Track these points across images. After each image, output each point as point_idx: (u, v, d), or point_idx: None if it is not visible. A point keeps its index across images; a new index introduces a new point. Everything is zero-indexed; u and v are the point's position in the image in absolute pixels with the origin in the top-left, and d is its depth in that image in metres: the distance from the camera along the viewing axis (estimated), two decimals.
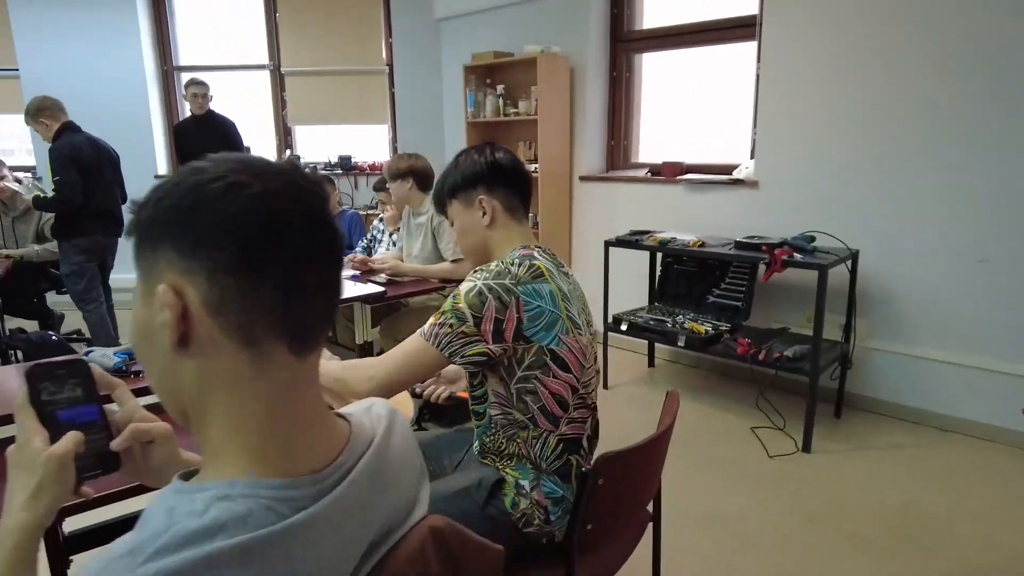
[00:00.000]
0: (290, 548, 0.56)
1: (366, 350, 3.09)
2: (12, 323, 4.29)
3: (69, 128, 3.66)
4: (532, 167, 4.36)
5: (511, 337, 1.30)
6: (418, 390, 1.74)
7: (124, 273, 4.31)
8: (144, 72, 5.39)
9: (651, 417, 3.50)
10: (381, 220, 3.81)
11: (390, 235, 3.72)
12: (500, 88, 4.49)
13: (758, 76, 3.50)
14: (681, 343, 3.26)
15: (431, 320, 1.34)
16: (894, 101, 3.06)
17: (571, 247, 4.61)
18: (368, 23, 5.43)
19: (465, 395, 1.50)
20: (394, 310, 3.37)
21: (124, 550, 0.52)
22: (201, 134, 4.70)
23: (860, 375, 3.31)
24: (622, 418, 3.28)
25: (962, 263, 2.97)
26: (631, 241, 3.49)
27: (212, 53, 5.64)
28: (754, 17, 3.53)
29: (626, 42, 4.29)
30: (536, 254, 1.40)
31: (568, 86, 4.34)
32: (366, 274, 3.26)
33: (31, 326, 4.26)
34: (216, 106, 4.81)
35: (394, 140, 5.58)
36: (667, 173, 3.99)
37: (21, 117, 5.28)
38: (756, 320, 3.48)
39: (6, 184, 3.89)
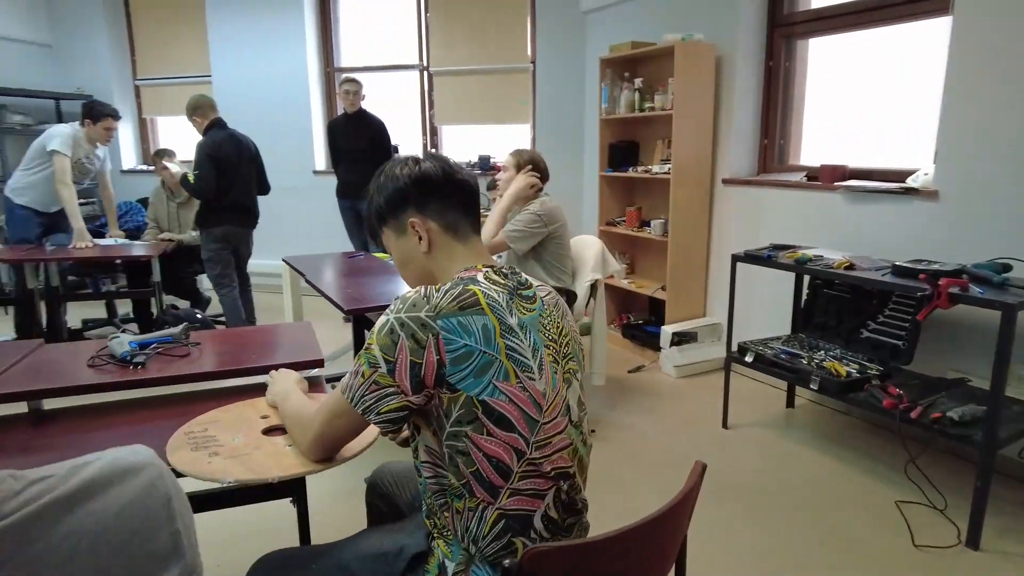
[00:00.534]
0: None
1: None
2: (168, 300, 4.76)
3: (216, 125, 3.93)
4: (665, 167, 3.92)
5: (433, 383, 1.02)
6: None
7: (262, 259, 4.63)
8: (307, 74, 5.74)
9: (773, 472, 2.97)
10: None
11: None
12: (638, 82, 4.10)
13: (948, 60, 2.76)
14: (814, 386, 2.66)
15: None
16: None
17: (708, 260, 4.08)
18: (514, 20, 5.29)
19: None
20: None
21: None
22: (351, 131, 4.79)
23: None
24: (736, 467, 2.76)
25: None
26: (762, 257, 2.94)
27: (368, 55, 5.86)
28: None
29: (787, 26, 3.68)
30: (480, 276, 1.10)
31: (712, 78, 3.82)
32: None
33: (184, 305, 4.69)
34: (370, 107, 4.86)
35: (534, 140, 5.39)
36: (825, 178, 3.34)
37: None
38: (924, 365, 2.75)
39: (167, 166, 4.28)
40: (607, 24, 4.75)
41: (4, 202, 4.18)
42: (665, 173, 3.90)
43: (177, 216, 4.54)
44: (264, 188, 4.25)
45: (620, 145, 4.38)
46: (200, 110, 3.92)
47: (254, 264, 4.38)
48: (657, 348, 3.97)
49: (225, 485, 1.21)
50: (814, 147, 3.74)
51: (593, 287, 3.15)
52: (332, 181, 5.04)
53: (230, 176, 3.91)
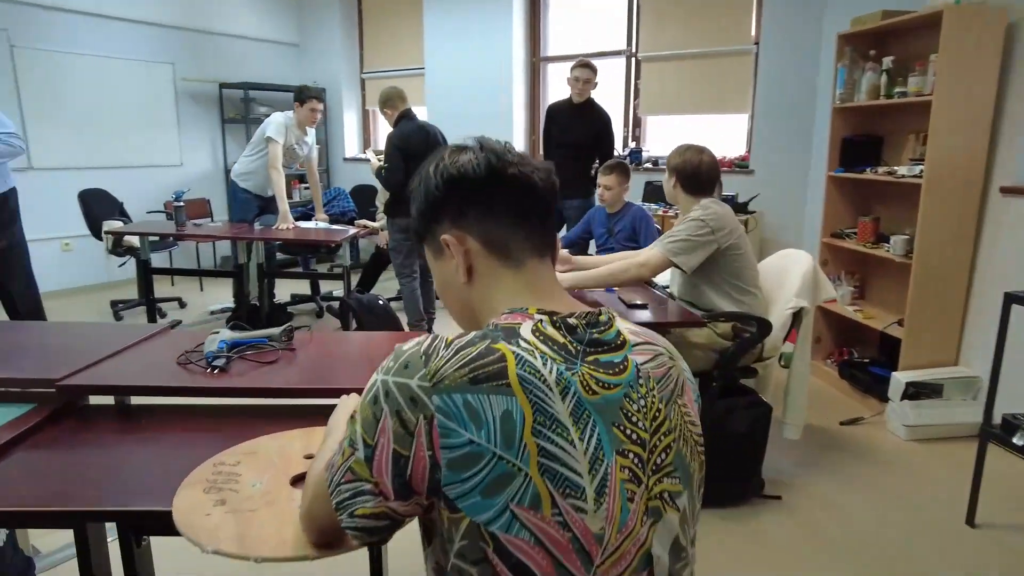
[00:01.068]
0: None
1: None
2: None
3: (405, 116, 3.91)
4: (916, 169, 3.05)
5: (425, 489, 0.67)
6: None
7: None
8: (511, 64, 5.60)
9: None
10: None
11: None
12: (887, 61, 3.24)
13: None
14: None
15: None
16: None
17: (968, 293, 3.12)
18: None
19: None
20: None
21: None
22: (574, 121, 4.25)
23: None
24: None
25: None
26: None
27: (573, 43, 5.55)
28: None
29: None
30: (525, 328, 0.73)
31: (998, 52, 2.87)
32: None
33: (380, 289, 4.83)
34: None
35: (751, 132, 4.66)
36: None
37: (425, 110, 6.10)
38: None
39: (369, 158, 4.41)
40: None
41: (231, 185, 4.61)
42: (915, 176, 3.04)
43: None
44: None
45: (856, 140, 3.54)
46: (390, 102, 3.93)
47: None
48: (884, 398, 3.13)
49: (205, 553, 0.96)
50: None
51: (796, 316, 2.51)
52: None
53: (416, 168, 3.86)
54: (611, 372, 0.74)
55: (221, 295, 5.32)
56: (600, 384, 0.72)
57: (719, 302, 2.46)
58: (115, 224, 4.68)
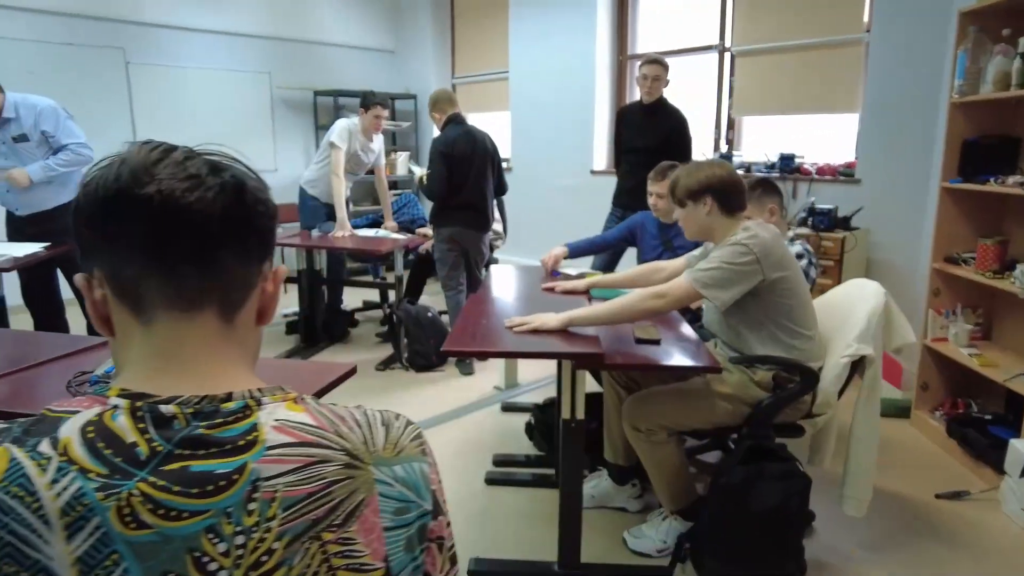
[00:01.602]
0: None
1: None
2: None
3: (453, 121, 3.69)
4: None
5: None
6: None
7: (520, 258, 4.22)
8: (595, 65, 5.23)
9: None
10: None
11: None
12: (1023, 43, 2.56)
13: None
14: None
15: None
16: None
17: None
18: None
19: None
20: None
21: None
22: (643, 123, 3.87)
23: None
24: None
25: None
26: None
27: (663, 39, 5.07)
28: None
29: None
30: (70, 425, 0.56)
31: None
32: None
33: (427, 301, 4.66)
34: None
35: (859, 134, 3.99)
36: None
37: (509, 114, 5.89)
38: None
39: (413, 169, 4.26)
40: None
41: (300, 192, 4.64)
42: None
43: None
44: (501, 188, 3.92)
45: (983, 142, 2.86)
46: (438, 105, 3.74)
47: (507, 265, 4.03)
48: (1000, 469, 2.47)
49: None
50: None
51: (856, 366, 1.99)
52: (611, 183, 4.22)
53: (462, 175, 3.65)
54: (195, 491, 0.48)
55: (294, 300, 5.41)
56: (162, 511, 0.46)
57: (760, 348, 2.00)
58: None
